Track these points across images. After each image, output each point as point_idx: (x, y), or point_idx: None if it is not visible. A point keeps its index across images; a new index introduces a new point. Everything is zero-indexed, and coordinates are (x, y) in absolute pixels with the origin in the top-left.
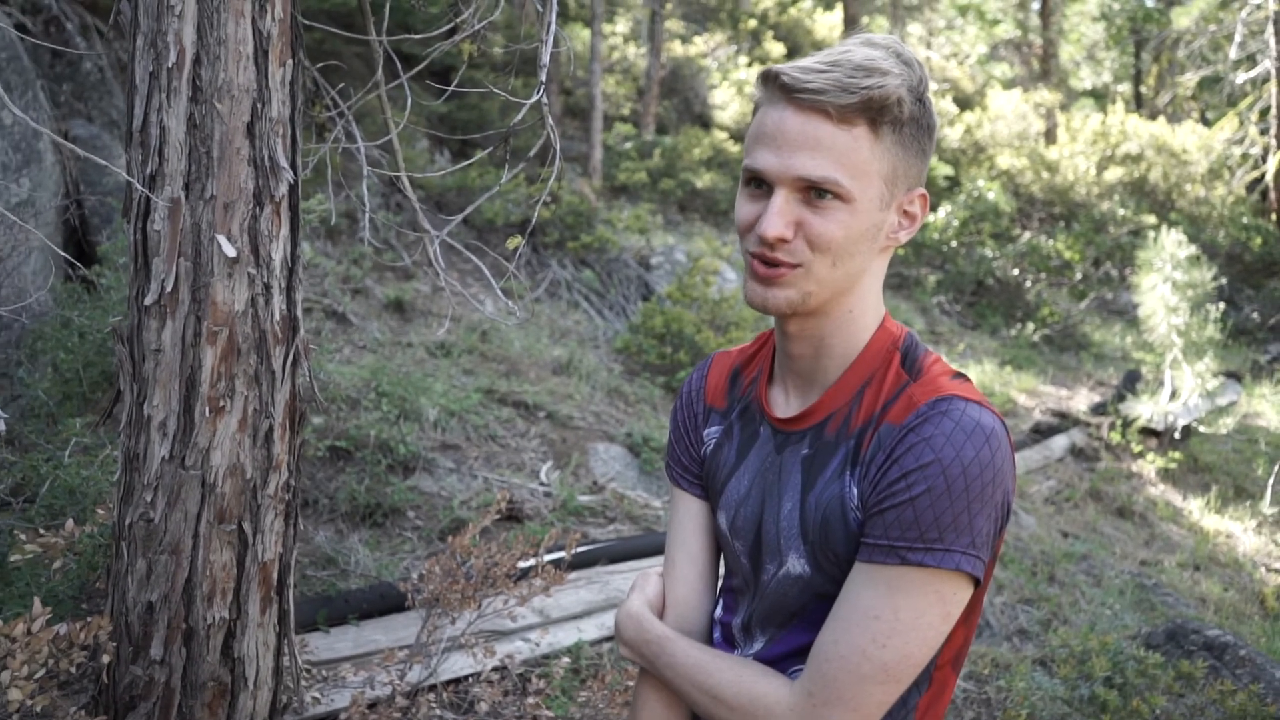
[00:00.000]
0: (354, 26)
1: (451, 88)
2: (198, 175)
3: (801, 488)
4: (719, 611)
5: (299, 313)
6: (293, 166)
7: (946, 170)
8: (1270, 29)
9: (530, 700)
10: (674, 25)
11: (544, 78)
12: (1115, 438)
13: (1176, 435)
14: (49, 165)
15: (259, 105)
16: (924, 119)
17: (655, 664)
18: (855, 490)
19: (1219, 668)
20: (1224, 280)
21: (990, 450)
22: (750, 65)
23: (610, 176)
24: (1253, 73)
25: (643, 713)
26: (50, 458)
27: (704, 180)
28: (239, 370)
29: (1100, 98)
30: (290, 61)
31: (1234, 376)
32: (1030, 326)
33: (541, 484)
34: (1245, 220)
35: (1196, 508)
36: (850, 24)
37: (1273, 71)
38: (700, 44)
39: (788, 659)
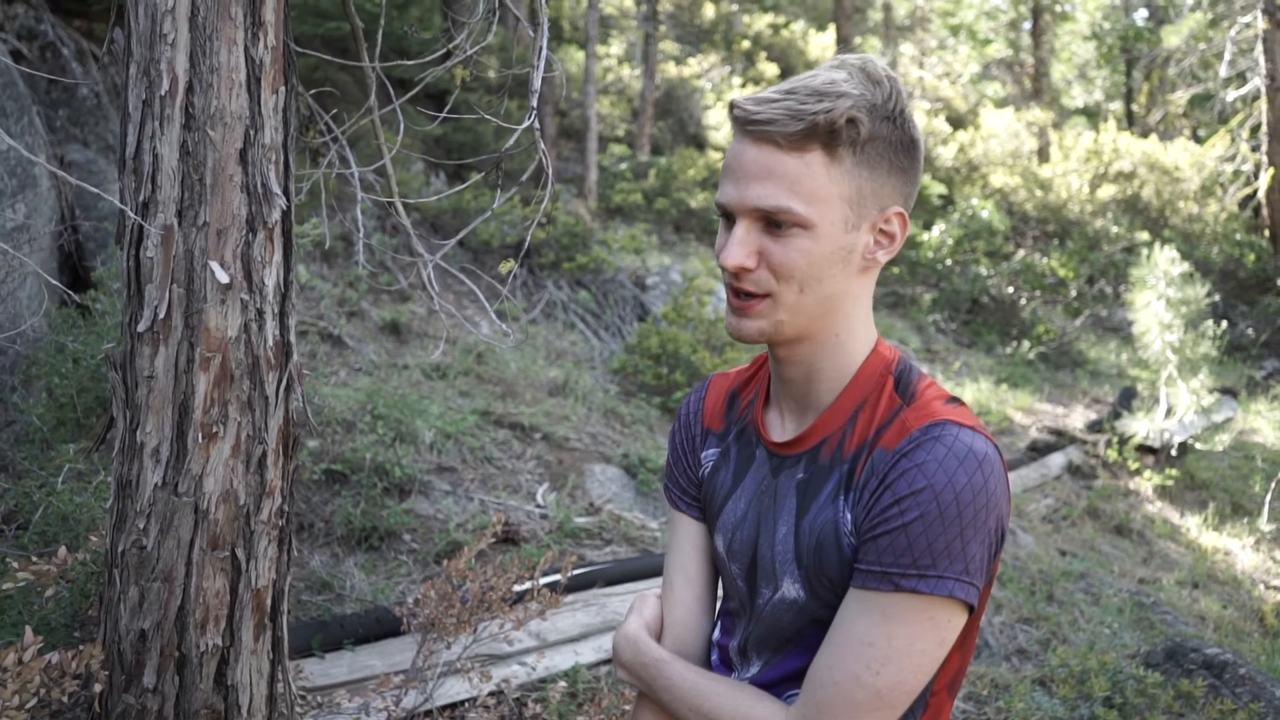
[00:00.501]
0: (348, 52)
1: (444, 113)
2: (190, 202)
3: (796, 512)
4: (717, 634)
5: (292, 338)
6: (286, 192)
7: (940, 189)
8: (1259, 47)
9: None
10: (668, 47)
11: (535, 103)
12: (1112, 455)
13: (1173, 452)
14: (44, 190)
15: (252, 132)
16: (894, 136)
17: (652, 687)
18: (849, 515)
19: (1219, 686)
20: (1218, 297)
21: (983, 476)
22: (744, 86)
23: (605, 197)
24: (1243, 90)
25: None
26: (43, 484)
27: (699, 200)
28: (232, 396)
29: (1092, 116)
30: (283, 88)
31: (1230, 393)
32: (1025, 344)
33: (538, 506)
34: (1239, 237)
35: (1194, 525)
36: (843, 45)
37: (1263, 89)
38: (694, 65)
39: (783, 683)
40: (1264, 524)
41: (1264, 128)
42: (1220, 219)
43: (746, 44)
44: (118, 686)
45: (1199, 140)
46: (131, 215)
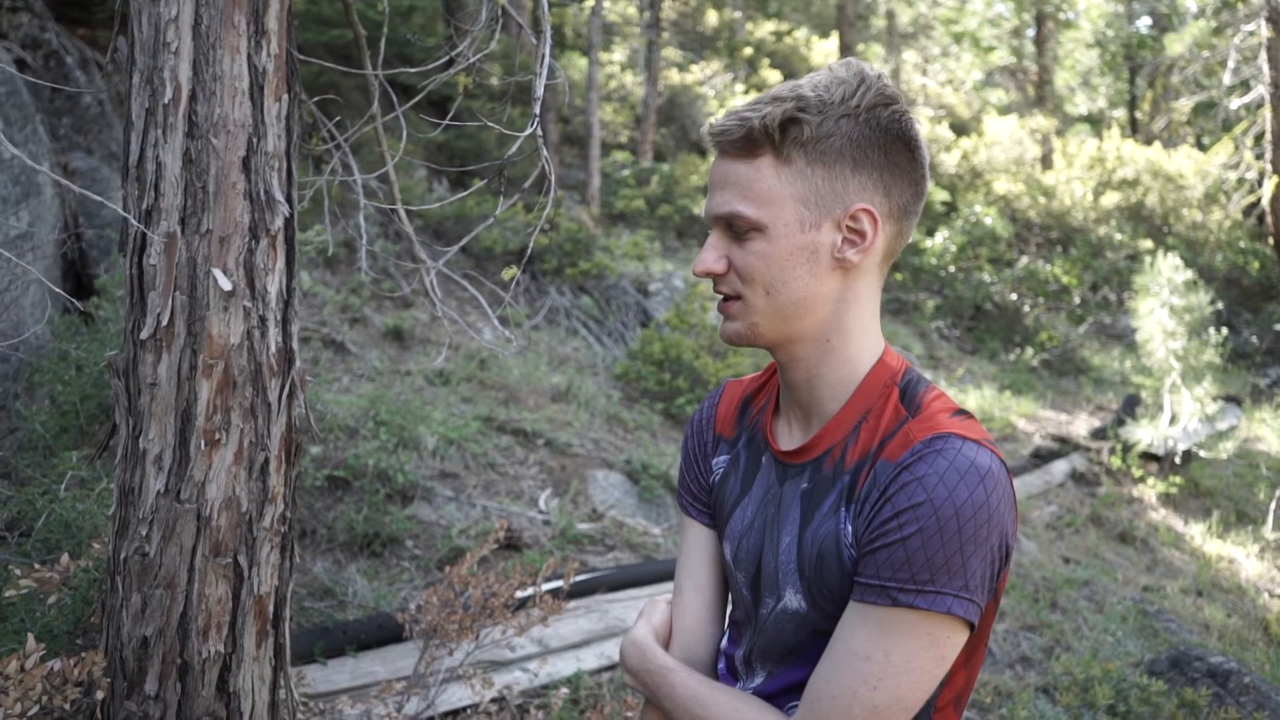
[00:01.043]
0: (351, 60)
1: (447, 120)
2: (193, 210)
3: (800, 522)
4: (724, 643)
5: (295, 345)
6: (288, 200)
7: (944, 195)
8: (1263, 54)
9: None
10: (670, 53)
11: (538, 109)
12: (1115, 462)
13: (1177, 460)
14: (48, 198)
15: (254, 140)
16: (858, 132)
17: (655, 694)
18: (850, 527)
19: (1223, 695)
20: (1221, 304)
21: (985, 491)
22: (747, 93)
23: (608, 203)
24: (1247, 98)
25: None
26: (46, 491)
27: (701, 207)
28: (235, 403)
29: (1096, 123)
30: (286, 96)
31: (1233, 401)
32: (1029, 351)
33: (540, 512)
34: (1242, 244)
35: (1198, 533)
36: (846, 52)
37: (1266, 96)
38: (697, 72)
39: (785, 694)
40: (1269, 532)
41: (1268, 135)
42: (1224, 226)
43: (749, 51)
44: (120, 694)
45: (1203, 148)
46: (134, 223)
